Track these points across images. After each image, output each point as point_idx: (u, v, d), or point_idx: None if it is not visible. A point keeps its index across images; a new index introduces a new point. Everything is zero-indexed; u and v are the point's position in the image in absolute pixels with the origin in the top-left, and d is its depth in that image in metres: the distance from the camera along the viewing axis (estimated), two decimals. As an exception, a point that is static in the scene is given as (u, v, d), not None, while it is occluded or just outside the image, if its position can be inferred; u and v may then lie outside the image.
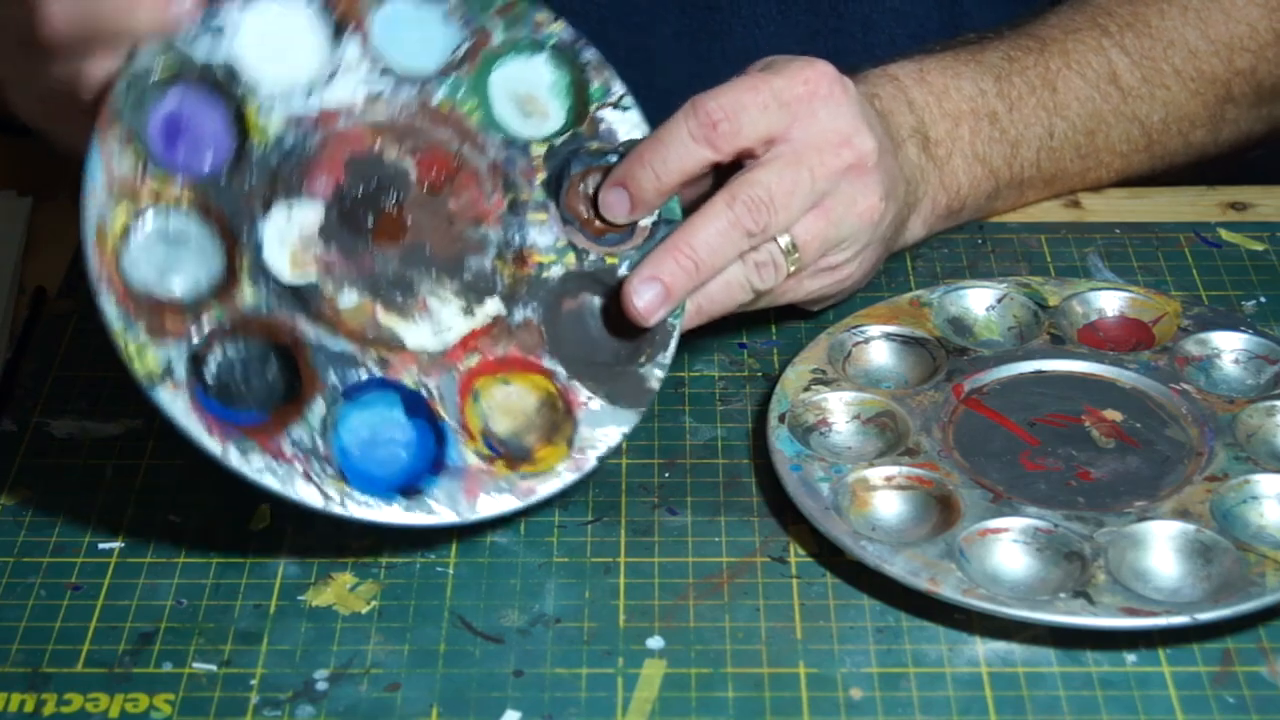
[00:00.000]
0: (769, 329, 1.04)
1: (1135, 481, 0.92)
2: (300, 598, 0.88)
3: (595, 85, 0.96)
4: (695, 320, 0.95)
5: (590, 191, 0.95)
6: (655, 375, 0.92)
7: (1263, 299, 1.05)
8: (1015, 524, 0.89)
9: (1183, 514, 0.89)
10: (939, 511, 0.90)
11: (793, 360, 0.99)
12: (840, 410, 0.96)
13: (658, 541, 0.91)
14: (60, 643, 0.86)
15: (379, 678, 0.85)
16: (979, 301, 1.03)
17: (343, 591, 0.89)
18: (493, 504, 0.88)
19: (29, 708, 0.83)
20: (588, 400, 0.91)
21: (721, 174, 0.96)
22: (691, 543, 0.91)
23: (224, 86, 0.90)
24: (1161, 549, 0.88)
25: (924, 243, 1.08)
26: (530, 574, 0.89)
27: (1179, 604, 0.85)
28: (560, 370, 0.91)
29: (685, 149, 0.94)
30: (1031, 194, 1.11)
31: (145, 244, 0.88)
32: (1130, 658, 0.85)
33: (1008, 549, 0.89)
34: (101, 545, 0.91)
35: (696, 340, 1.01)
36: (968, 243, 1.10)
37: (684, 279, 0.93)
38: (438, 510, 0.87)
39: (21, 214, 1.14)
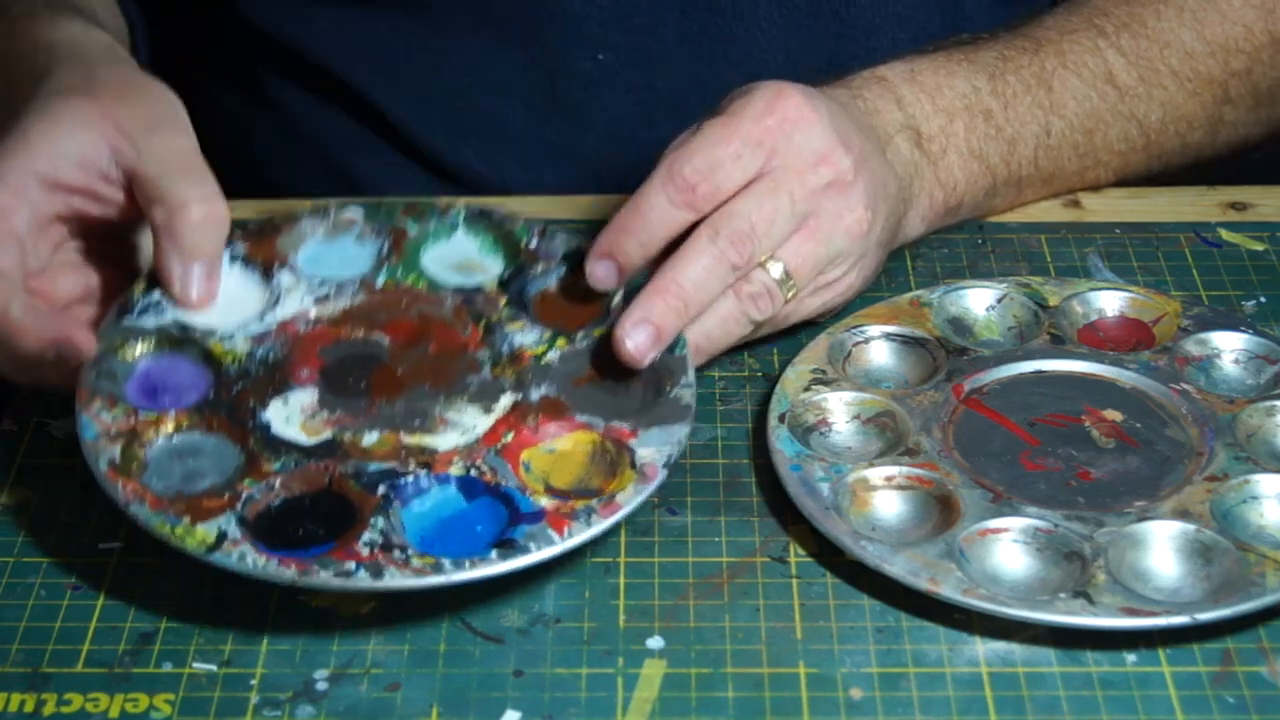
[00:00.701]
0: (769, 329, 1.04)
1: (1135, 481, 0.92)
2: (300, 598, 0.88)
3: (518, 228, 1.00)
4: (696, 361, 0.95)
5: (558, 299, 0.97)
6: (686, 394, 0.93)
7: (1263, 299, 1.05)
8: (1015, 524, 0.89)
9: (1183, 514, 0.89)
10: (939, 511, 0.90)
11: (793, 360, 0.99)
12: (840, 410, 0.96)
13: (658, 541, 0.91)
14: (60, 643, 0.86)
15: (379, 678, 0.85)
16: (979, 301, 1.03)
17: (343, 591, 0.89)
18: (585, 530, 0.87)
19: (29, 708, 0.83)
20: (634, 430, 0.91)
21: None
22: (691, 543, 0.91)
23: (182, 340, 0.93)
24: (1161, 549, 0.88)
25: (924, 240, 1.08)
26: (530, 574, 0.89)
27: (1179, 604, 0.85)
28: (597, 421, 0.92)
29: (667, 215, 0.95)
30: (1030, 193, 1.11)
31: (160, 466, 0.89)
32: (1130, 658, 0.85)
33: (1008, 549, 0.89)
34: (101, 545, 0.91)
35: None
36: (968, 243, 1.10)
37: (673, 318, 0.93)
38: (535, 550, 0.86)
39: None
